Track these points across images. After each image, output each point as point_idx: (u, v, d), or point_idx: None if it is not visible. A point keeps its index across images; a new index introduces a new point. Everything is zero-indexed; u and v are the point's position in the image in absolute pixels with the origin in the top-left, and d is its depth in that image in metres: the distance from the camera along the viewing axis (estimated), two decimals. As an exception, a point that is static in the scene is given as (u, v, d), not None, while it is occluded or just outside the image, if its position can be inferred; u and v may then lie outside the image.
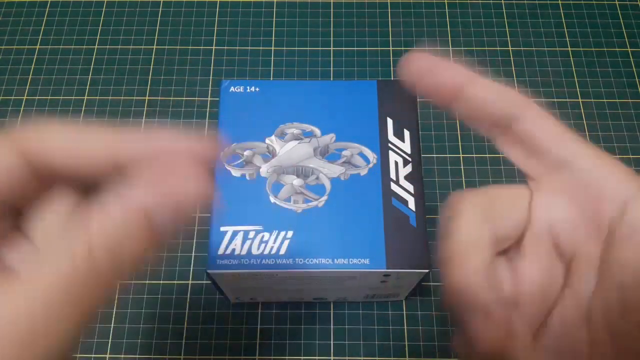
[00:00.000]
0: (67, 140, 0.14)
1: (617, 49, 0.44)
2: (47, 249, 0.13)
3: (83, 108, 0.42)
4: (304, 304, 0.36)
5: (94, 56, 0.44)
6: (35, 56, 0.44)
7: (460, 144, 0.41)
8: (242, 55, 0.44)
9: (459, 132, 0.41)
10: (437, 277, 0.37)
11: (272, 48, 0.44)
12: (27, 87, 0.43)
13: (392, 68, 0.44)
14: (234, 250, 0.27)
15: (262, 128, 0.30)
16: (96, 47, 0.45)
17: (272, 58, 0.44)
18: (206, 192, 0.14)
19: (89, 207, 0.13)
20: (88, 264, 0.12)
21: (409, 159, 0.29)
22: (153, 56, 0.44)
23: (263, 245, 0.27)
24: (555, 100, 0.42)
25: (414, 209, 0.28)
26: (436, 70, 0.16)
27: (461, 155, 0.40)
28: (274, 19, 0.46)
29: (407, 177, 0.29)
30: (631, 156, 0.40)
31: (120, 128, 0.15)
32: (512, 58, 0.44)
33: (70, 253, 0.12)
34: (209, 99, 0.43)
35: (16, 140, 0.14)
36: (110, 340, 0.35)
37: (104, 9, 0.46)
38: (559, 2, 0.46)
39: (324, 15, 0.46)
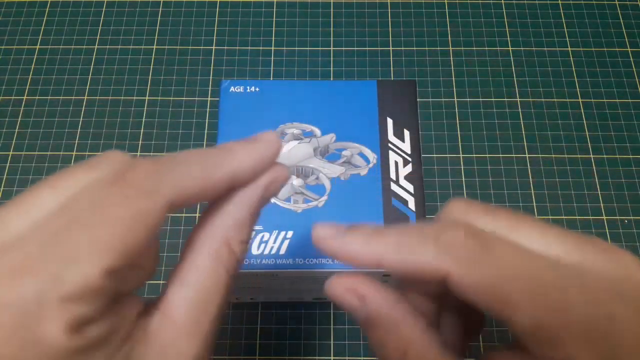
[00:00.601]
0: (198, 175, 0.15)
1: (617, 49, 0.44)
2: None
3: (83, 108, 0.42)
4: (304, 304, 0.36)
5: (94, 56, 0.44)
6: (35, 56, 0.44)
7: (460, 144, 0.41)
8: (242, 55, 0.44)
9: (459, 132, 0.41)
10: (437, 277, 0.37)
11: (272, 48, 0.44)
12: (27, 87, 0.43)
13: (392, 68, 0.44)
14: (234, 250, 0.27)
15: (262, 128, 0.30)
16: (96, 47, 0.45)
17: (272, 58, 0.44)
18: (287, 172, 0.17)
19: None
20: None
21: (409, 159, 0.29)
22: (153, 56, 0.44)
23: (263, 245, 0.27)
24: (555, 100, 0.42)
25: (414, 209, 0.28)
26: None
27: (461, 155, 0.40)
28: (274, 19, 0.46)
29: (407, 177, 0.29)
30: (631, 156, 0.40)
31: (215, 150, 0.16)
32: (512, 58, 0.44)
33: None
34: (209, 99, 0.43)
35: (165, 195, 0.14)
36: (110, 340, 0.35)
37: (104, 9, 0.46)
38: (559, 2, 0.46)
39: (324, 15, 0.46)
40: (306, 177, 0.29)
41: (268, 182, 0.16)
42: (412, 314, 0.16)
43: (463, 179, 0.40)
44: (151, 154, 0.40)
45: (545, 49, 0.44)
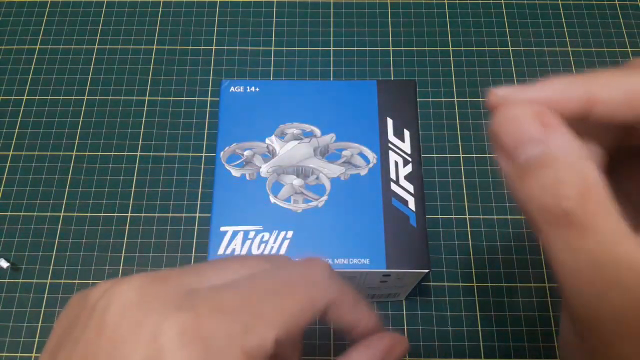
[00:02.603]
0: (347, 309, 0.18)
1: (617, 49, 0.44)
2: None
3: (83, 108, 0.42)
4: (304, 304, 0.36)
5: (94, 56, 0.44)
6: (35, 56, 0.44)
7: (460, 144, 0.41)
8: (242, 55, 0.44)
9: (459, 132, 0.41)
10: (437, 277, 0.37)
11: (272, 48, 0.44)
12: (27, 87, 0.43)
13: (392, 68, 0.44)
14: (234, 250, 0.27)
15: (262, 128, 0.30)
16: (96, 47, 0.45)
17: (272, 58, 0.44)
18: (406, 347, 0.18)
19: None
20: None
21: (409, 159, 0.29)
22: (153, 56, 0.44)
23: (263, 245, 0.27)
24: (555, 100, 0.42)
25: (414, 209, 0.28)
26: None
27: (461, 155, 0.40)
28: (274, 19, 0.46)
29: (407, 177, 0.29)
30: (631, 156, 0.40)
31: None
32: (512, 58, 0.44)
33: None
34: (209, 99, 0.43)
35: (328, 297, 0.16)
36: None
37: (104, 9, 0.46)
38: (559, 2, 0.46)
39: (324, 15, 0.46)
40: (306, 177, 0.29)
41: (388, 346, 0.18)
42: (585, 154, 0.13)
43: (463, 179, 0.40)
44: (151, 154, 0.40)
45: (545, 49, 0.44)
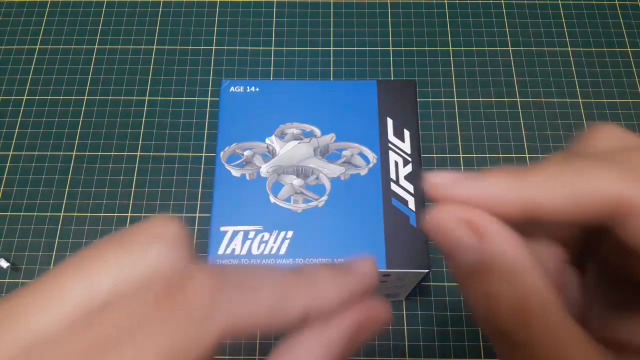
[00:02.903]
0: (264, 305, 0.12)
1: (617, 49, 0.44)
2: None
3: (83, 108, 0.42)
4: (304, 304, 0.36)
5: (94, 56, 0.44)
6: (35, 56, 0.44)
7: (460, 144, 0.41)
8: (242, 55, 0.44)
9: (459, 132, 0.41)
10: (437, 277, 0.37)
11: (272, 48, 0.44)
12: (27, 87, 0.43)
13: (392, 68, 0.44)
14: (234, 250, 0.27)
15: (262, 128, 0.30)
16: (96, 47, 0.45)
17: (272, 58, 0.44)
18: (387, 313, 0.14)
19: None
20: None
21: (409, 159, 0.29)
22: (153, 56, 0.44)
23: (263, 245, 0.27)
24: (555, 100, 0.42)
25: (414, 209, 0.28)
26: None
27: (461, 155, 0.40)
28: (274, 19, 0.46)
29: (407, 177, 0.29)
30: (631, 156, 0.40)
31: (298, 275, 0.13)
32: (512, 58, 0.44)
33: None
34: (209, 99, 0.43)
35: (220, 326, 0.11)
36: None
37: (104, 9, 0.46)
38: (559, 2, 0.46)
39: (324, 15, 0.46)
40: (306, 177, 0.29)
41: (354, 323, 0.13)
42: (538, 263, 0.12)
43: (463, 179, 0.40)
44: (151, 154, 0.40)
45: (545, 49, 0.44)
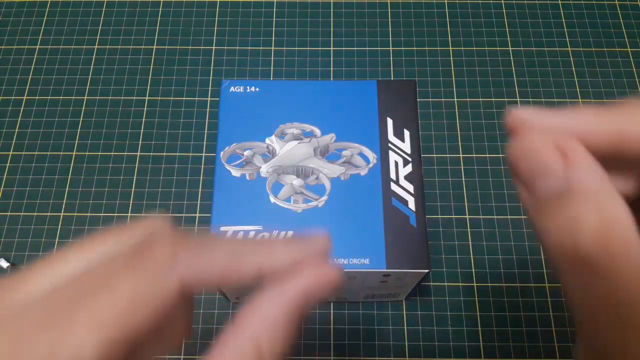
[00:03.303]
0: (220, 263, 0.14)
1: (617, 49, 0.44)
2: None
3: (83, 108, 0.42)
4: (304, 304, 0.36)
5: (94, 56, 0.44)
6: (35, 56, 0.44)
7: (460, 144, 0.41)
8: (242, 55, 0.44)
9: (459, 132, 0.41)
10: (437, 277, 0.37)
11: (272, 48, 0.44)
12: (27, 87, 0.43)
13: (392, 68, 0.44)
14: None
15: (262, 128, 0.30)
16: (96, 47, 0.45)
17: (272, 58, 0.44)
18: (339, 276, 0.15)
19: (240, 310, 0.14)
20: None
21: (409, 159, 0.29)
22: (153, 56, 0.44)
23: (263, 245, 0.27)
24: (555, 100, 0.42)
25: (414, 209, 0.28)
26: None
27: (461, 155, 0.40)
28: (274, 19, 0.46)
29: (407, 177, 0.29)
30: (631, 156, 0.40)
31: (249, 242, 0.15)
32: (512, 58, 0.44)
33: None
34: (209, 99, 0.43)
35: (178, 278, 0.13)
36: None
37: (104, 9, 0.46)
38: (559, 2, 0.46)
39: (324, 15, 0.46)
40: (306, 177, 0.29)
41: (309, 283, 0.14)
42: (619, 193, 0.12)
43: (463, 179, 0.40)
44: (151, 154, 0.40)
45: (545, 49, 0.44)
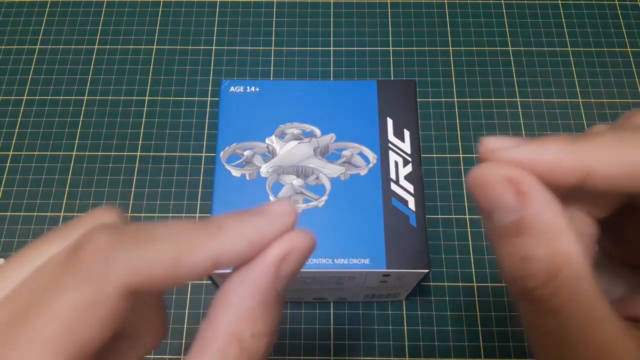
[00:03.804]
0: (165, 256, 0.12)
1: (617, 49, 0.44)
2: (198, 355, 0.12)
3: (83, 108, 0.42)
4: (304, 304, 0.36)
5: (94, 56, 0.44)
6: (35, 56, 0.44)
7: (460, 144, 0.41)
8: (242, 55, 0.44)
9: (459, 132, 0.41)
10: (437, 277, 0.37)
11: (272, 48, 0.44)
12: (27, 87, 0.43)
13: (392, 68, 0.44)
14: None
15: (262, 128, 0.30)
16: (96, 47, 0.45)
17: (272, 58, 0.44)
18: (313, 241, 0.14)
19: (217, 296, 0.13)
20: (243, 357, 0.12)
21: (409, 159, 0.29)
22: (153, 56, 0.44)
23: (263, 245, 0.27)
24: (555, 100, 0.42)
25: (414, 209, 0.28)
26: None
27: (461, 155, 0.40)
28: (274, 19, 0.46)
29: (407, 177, 0.29)
30: (631, 156, 0.40)
31: (202, 225, 0.13)
32: (512, 58, 0.44)
33: (224, 354, 0.12)
34: (209, 99, 0.43)
35: (117, 280, 0.11)
36: (110, 340, 0.35)
37: (104, 9, 0.46)
38: (559, 2, 0.46)
39: (324, 15, 0.46)
40: (306, 177, 0.29)
41: (278, 257, 0.13)
42: (575, 229, 0.12)
43: (463, 179, 0.40)
44: (151, 154, 0.40)
45: (545, 49, 0.44)
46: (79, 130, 0.41)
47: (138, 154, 0.40)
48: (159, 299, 0.15)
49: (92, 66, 0.44)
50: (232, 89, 0.31)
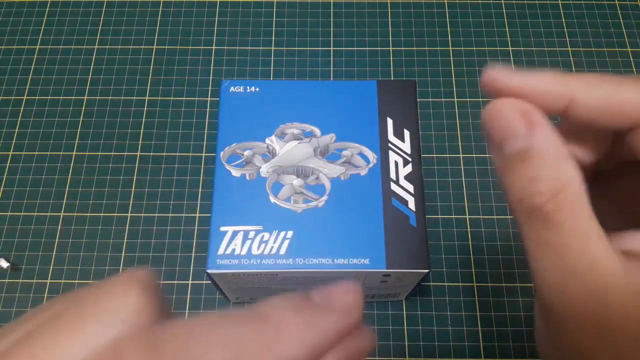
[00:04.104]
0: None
1: (617, 49, 0.44)
2: None
3: (83, 108, 0.42)
4: (304, 304, 0.36)
5: (94, 56, 0.44)
6: (35, 56, 0.44)
7: (460, 144, 0.41)
8: (242, 55, 0.44)
9: (459, 132, 0.41)
10: (437, 277, 0.37)
11: (272, 48, 0.44)
12: (27, 87, 0.43)
13: (392, 68, 0.44)
14: (234, 250, 0.27)
15: (262, 128, 0.30)
16: (96, 47, 0.45)
17: (272, 58, 0.44)
18: (372, 340, 0.13)
19: None
20: None
21: (409, 159, 0.29)
22: (153, 56, 0.44)
23: (263, 245, 0.27)
24: (555, 100, 0.42)
25: (414, 209, 0.28)
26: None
27: (461, 155, 0.40)
28: (274, 19, 0.46)
29: (407, 177, 0.29)
30: (631, 156, 0.40)
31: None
32: (512, 58, 0.44)
33: None
34: (209, 99, 0.43)
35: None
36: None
37: (104, 9, 0.46)
38: (559, 2, 0.46)
39: (324, 15, 0.46)
40: (306, 177, 0.29)
41: None
42: (575, 160, 0.14)
43: (463, 179, 0.40)
44: (151, 154, 0.40)
45: (545, 49, 0.44)
46: (79, 130, 0.41)
47: (138, 154, 0.40)
48: None
49: (92, 66, 0.44)
50: (232, 89, 0.31)
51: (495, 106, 0.15)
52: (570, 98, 0.14)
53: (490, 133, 0.15)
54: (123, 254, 0.37)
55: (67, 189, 0.39)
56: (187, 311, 0.35)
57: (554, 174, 0.13)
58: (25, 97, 0.43)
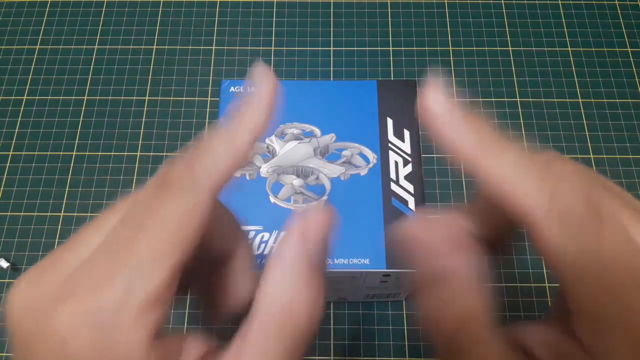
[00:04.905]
0: (226, 153, 0.15)
1: (617, 49, 0.44)
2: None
3: (83, 108, 0.42)
4: (304, 304, 0.36)
5: (94, 56, 0.44)
6: (35, 56, 0.44)
7: (460, 144, 0.41)
8: (242, 55, 0.44)
9: (459, 132, 0.41)
10: (437, 277, 0.37)
11: (272, 48, 0.44)
12: (27, 87, 0.43)
13: (392, 68, 0.44)
14: (234, 250, 0.27)
15: (262, 128, 0.30)
16: (96, 47, 0.45)
17: (272, 58, 0.44)
18: (329, 212, 0.16)
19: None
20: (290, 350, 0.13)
21: (409, 159, 0.29)
22: (153, 56, 0.44)
23: (263, 245, 0.27)
24: (555, 100, 0.42)
25: (414, 209, 0.28)
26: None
27: (461, 155, 0.40)
28: (274, 19, 0.46)
29: (407, 177, 0.29)
30: (631, 156, 0.40)
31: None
32: (512, 58, 0.44)
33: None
34: (209, 99, 0.43)
35: (205, 185, 0.14)
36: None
37: (104, 9, 0.46)
38: (559, 2, 0.46)
39: (324, 15, 0.46)
40: (306, 177, 0.29)
41: (298, 230, 0.15)
42: (480, 279, 0.15)
43: (463, 179, 0.40)
44: (151, 154, 0.40)
45: (545, 49, 0.44)
46: (79, 130, 0.41)
47: (138, 154, 0.40)
48: (220, 206, 0.17)
49: (92, 66, 0.44)
50: (232, 89, 0.31)
51: (415, 224, 0.15)
52: (475, 160, 0.14)
53: (411, 246, 0.16)
54: (123, 254, 0.37)
55: (67, 189, 0.39)
56: (186, 311, 0.35)
57: (464, 304, 0.14)
58: (25, 97, 0.43)
